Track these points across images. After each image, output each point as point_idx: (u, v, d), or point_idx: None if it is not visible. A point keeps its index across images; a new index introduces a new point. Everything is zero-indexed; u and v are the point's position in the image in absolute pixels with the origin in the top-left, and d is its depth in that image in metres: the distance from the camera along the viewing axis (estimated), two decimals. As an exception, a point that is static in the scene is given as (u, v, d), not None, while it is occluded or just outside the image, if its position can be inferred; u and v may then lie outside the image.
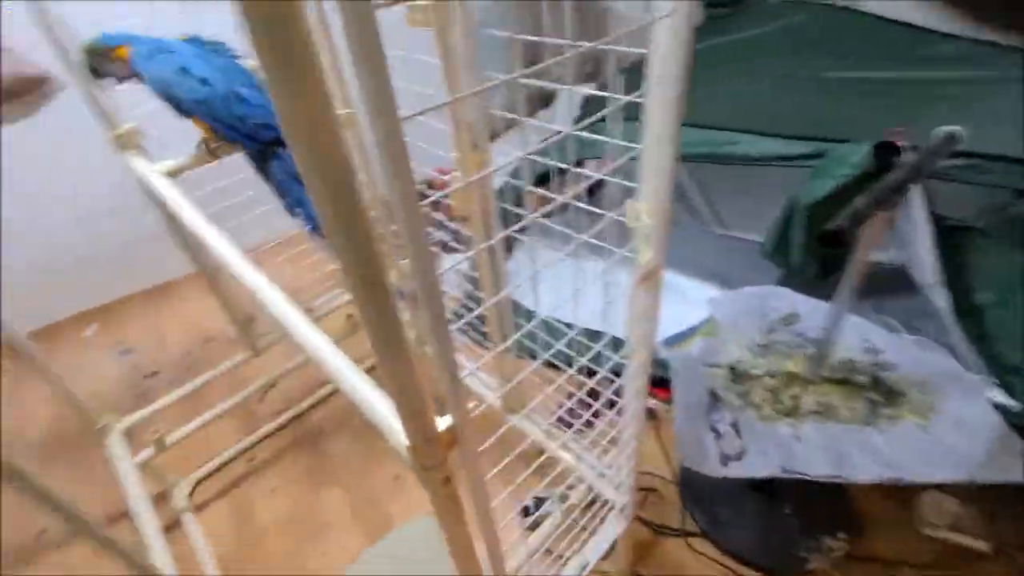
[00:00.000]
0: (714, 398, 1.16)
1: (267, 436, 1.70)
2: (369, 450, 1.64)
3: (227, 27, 0.90)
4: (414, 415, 0.45)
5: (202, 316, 2.26)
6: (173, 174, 1.07)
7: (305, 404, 1.78)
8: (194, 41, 0.96)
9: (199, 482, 1.59)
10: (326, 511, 1.49)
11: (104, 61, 0.95)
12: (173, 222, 1.25)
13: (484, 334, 1.34)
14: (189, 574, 1.29)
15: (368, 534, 1.43)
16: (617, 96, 0.57)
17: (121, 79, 0.99)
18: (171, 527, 1.43)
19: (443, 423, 0.48)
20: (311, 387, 1.83)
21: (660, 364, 1.27)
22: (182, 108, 0.92)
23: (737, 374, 1.18)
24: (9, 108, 1.91)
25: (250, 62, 0.97)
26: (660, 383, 1.48)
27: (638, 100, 0.56)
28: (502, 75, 0.52)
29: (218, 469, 1.62)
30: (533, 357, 1.27)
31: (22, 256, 2.10)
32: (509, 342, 1.13)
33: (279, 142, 0.91)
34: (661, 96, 0.54)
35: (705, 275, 1.78)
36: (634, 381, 0.86)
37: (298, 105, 0.26)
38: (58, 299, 2.28)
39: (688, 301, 1.59)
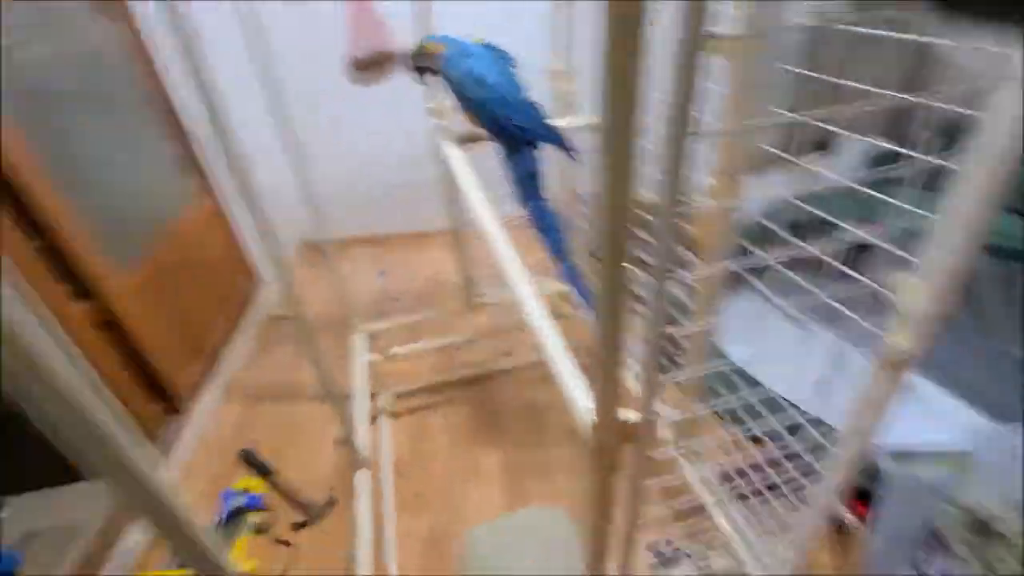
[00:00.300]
0: (935, 540, 0.95)
1: (457, 382, 1.95)
2: (533, 429, 1.75)
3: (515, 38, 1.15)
4: (609, 398, 0.49)
5: (442, 267, 2.67)
6: (463, 141, 1.30)
7: (494, 367, 1.99)
8: (488, 47, 1.12)
9: (399, 396, 1.91)
10: (482, 465, 1.65)
11: (423, 57, 1.11)
12: (448, 182, 1.53)
13: (673, 361, 1.31)
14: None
15: (508, 502, 1.54)
16: (923, 157, 0.52)
17: (432, 72, 1.15)
18: (371, 419, 1.77)
19: (628, 416, 0.51)
20: (500, 354, 2.03)
21: (870, 474, 1.08)
22: (465, 103, 1.09)
23: (980, 525, 0.94)
24: (367, 76, 2.52)
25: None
26: (861, 495, 1.25)
27: (947, 165, 0.50)
28: (784, 111, 0.52)
29: (414, 392, 1.92)
30: (717, 398, 1.20)
31: (331, 178, 2.73)
32: (694, 372, 1.09)
33: (528, 143, 1.05)
34: (983, 168, 0.47)
35: (966, 392, 1.43)
36: (833, 475, 0.76)
37: (618, 111, 0.32)
38: (348, 220, 2.92)
39: (931, 414, 1.30)
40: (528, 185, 1.02)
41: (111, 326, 1.51)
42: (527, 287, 0.76)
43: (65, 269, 1.39)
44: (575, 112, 1.44)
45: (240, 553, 1.42)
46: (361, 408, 1.53)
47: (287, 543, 1.45)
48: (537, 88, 1.67)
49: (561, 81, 1.44)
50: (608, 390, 0.47)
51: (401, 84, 2.11)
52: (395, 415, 1.84)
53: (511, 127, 1.01)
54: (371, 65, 2.45)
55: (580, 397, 0.58)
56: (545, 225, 1.01)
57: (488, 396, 1.90)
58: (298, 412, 1.88)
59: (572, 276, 1.02)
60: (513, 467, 1.63)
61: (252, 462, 1.67)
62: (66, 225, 1.37)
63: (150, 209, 1.79)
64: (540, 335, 0.70)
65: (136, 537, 1.41)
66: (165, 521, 0.47)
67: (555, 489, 1.56)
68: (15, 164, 1.25)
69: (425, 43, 1.11)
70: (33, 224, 1.30)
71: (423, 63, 1.12)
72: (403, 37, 2.41)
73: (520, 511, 1.50)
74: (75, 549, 1.40)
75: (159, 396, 1.68)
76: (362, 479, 1.40)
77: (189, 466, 1.69)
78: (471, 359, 2.04)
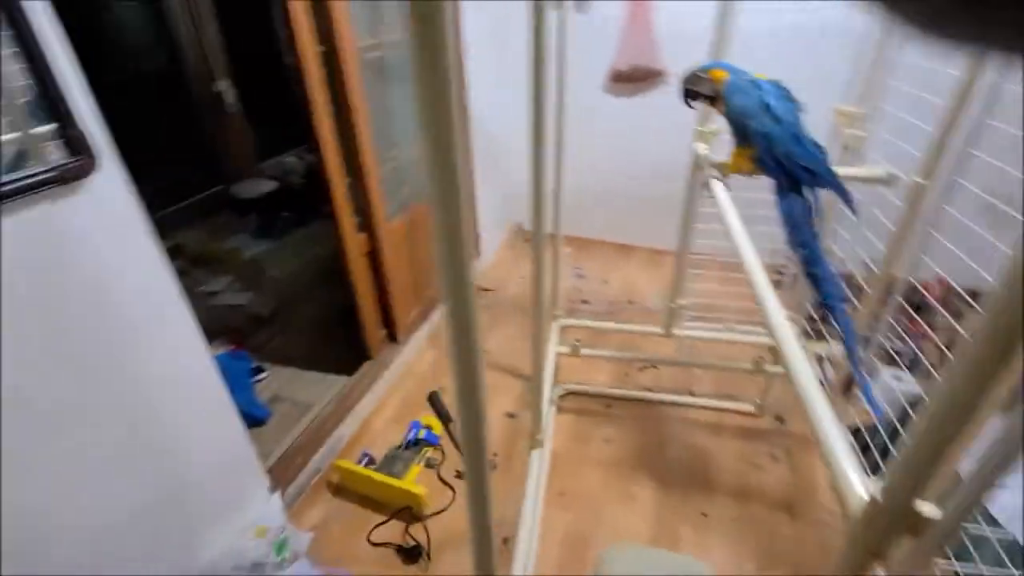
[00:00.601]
0: None
1: (631, 400, 1.95)
2: (697, 476, 1.67)
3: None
4: (908, 482, 0.44)
5: (637, 283, 2.67)
6: (724, 171, 1.28)
7: (667, 398, 1.94)
8: (775, 84, 1.07)
9: (569, 393, 1.98)
10: (635, 492, 1.64)
11: (701, 82, 1.09)
12: (687, 204, 1.53)
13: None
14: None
15: (653, 537, 1.51)
16: None
17: (703, 98, 1.12)
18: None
19: (924, 508, 0.45)
20: (683, 388, 1.96)
21: None
22: (742, 133, 1.05)
23: None
24: (624, 88, 2.61)
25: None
26: None
27: None
28: None
29: (585, 394, 1.97)
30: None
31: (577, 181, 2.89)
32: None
33: (810, 184, 0.97)
34: None
35: None
36: None
37: None
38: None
39: None
40: (803, 227, 0.96)
41: (372, 257, 1.85)
42: (793, 345, 0.73)
43: (359, 206, 1.74)
44: (860, 161, 1.31)
45: (412, 476, 1.64)
46: (544, 393, 1.62)
47: (451, 487, 1.63)
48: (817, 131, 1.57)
49: (850, 125, 1.32)
50: (910, 474, 0.43)
51: (665, 104, 2.16)
52: (560, 409, 1.92)
53: (796, 167, 0.97)
54: (632, 79, 2.54)
55: (850, 470, 0.55)
56: (819, 271, 0.94)
57: (658, 426, 1.86)
58: (481, 376, 2.08)
59: (848, 332, 0.93)
60: (667, 507, 1.59)
61: (436, 404, 1.90)
62: (371, 172, 1.71)
63: (420, 179, 2.13)
64: (808, 398, 0.66)
65: (343, 432, 1.73)
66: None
67: (707, 544, 1.47)
68: (356, 109, 1.60)
69: (706, 68, 1.10)
70: (352, 165, 1.66)
71: (699, 88, 1.11)
72: (672, 58, 2.45)
73: (664, 550, 1.45)
74: (307, 419, 1.77)
75: (386, 323, 2.01)
76: (536, 458, 1.50)
77: (392, 388, 2.00)
78: (651, 383, 2.01)
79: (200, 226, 3.09)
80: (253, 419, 1.77)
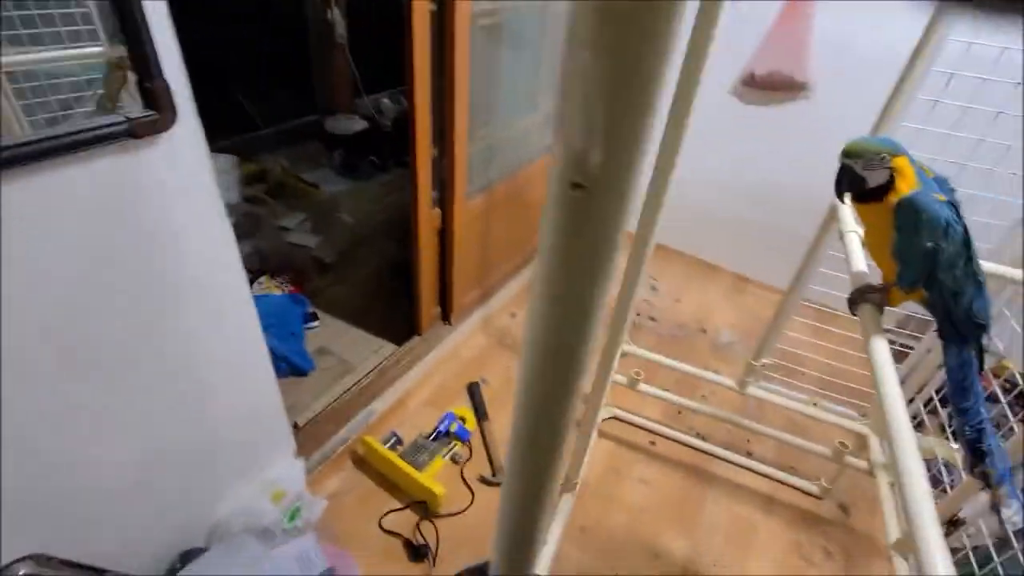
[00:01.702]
0: None
1: (679, 443, 1.80)
2: (739, 547, 1.52)
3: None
4: None
5: (715, 310, 2.44)
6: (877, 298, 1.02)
7: (720, 452, 1.76)
8: (946, 186, 0.77)
9: (614, 417, 1.85)
10: (664, 547, 1.51)
11: (870, 163, 0.75)
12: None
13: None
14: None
15: (672, 604, 1.39)
16: None
17: (864, 192, 0.78)
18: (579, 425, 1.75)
19: None
20: (741, 445, 1.78)
21: None
22: (917, 273, 0.75)
23: None
24: (756, 96, 2.30)
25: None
26: None
27: None
28: None
29: (631, 424, 1.84)
30: None
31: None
32: None
33: (975, 339, 0.75)
34: None
35: None
36: None
37: None
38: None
39: None
40: (971, 389, 0.75)
41: (442, 235, 1.76)
42: (911, 451, 0.58)
43: (441, 180, 1.63)
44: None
45: (435, 469, 1.59)
46: (592, 435, 1.49)
47: (471, 489, 1.57)
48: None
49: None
50: None
51: (799, 122, 1.90)
52: (601, 434, 1.80)
53: (972, 323, 0.74)
54: (767, 86, 2.23)
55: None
56: (986, 443, 0.73)
57: (703, 479, 1.70)
58: (526, 375, 1.98)
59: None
60: (696, 571, 1.45)
61: (474, 397, 1.83)
62: (460, 148, 1.59)
63: (520, 151, 1.98)
64: (920, 526, 0.52)
65: (376, 407, 1.70)
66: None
67: (727, 633, 1.34)
68: (457, 81, 1.47)
69: (888, 150, 0.75)
70: (441, 138, 1.54)
71: (870, 175, 0.75)
72: (820, 72, 2.12)
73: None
74: (346, 382, 1.75)
75: (441, 302, 1.93)
76: (567, 501, 1.40)
77: (434, 369, 1.94)
78: (705, 429, 1.84)
79: (288, 153, 3.11)
80: (297, 369, 1.78)
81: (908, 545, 1.24)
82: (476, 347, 2.08)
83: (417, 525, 1.46)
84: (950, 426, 1.42)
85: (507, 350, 2.08)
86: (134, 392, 0.95)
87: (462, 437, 1.68)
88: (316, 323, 2.01)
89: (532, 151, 2.08)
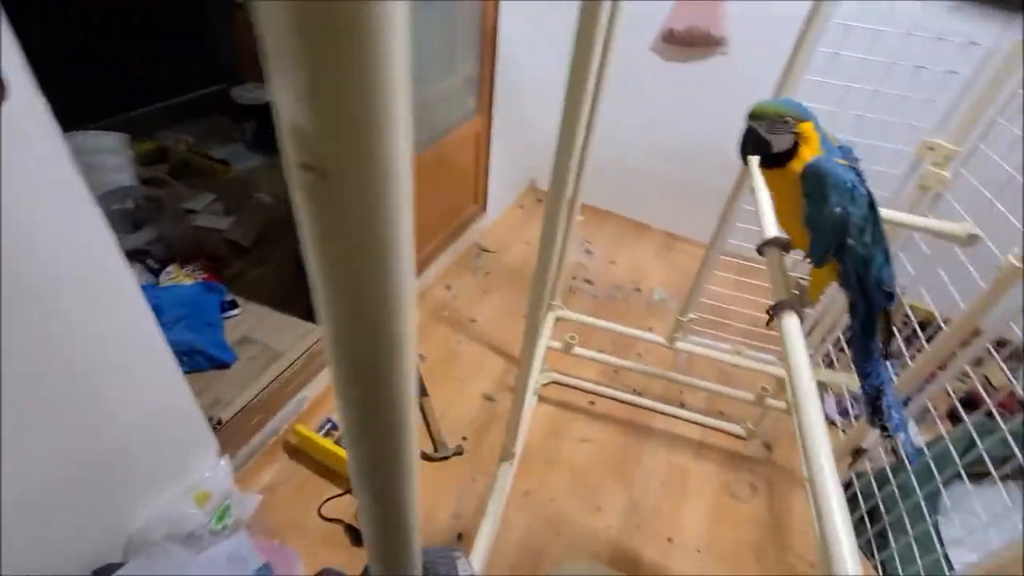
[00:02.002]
0: None
1: (615, 401, 1.85)
2: (672, 495, 1.59)
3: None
4: None
5: (645, 270, 2.50)
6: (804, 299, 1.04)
7: (655, 406, 1.83)
8: (848, 153, 0.75)
9: (553, 382, 1.87)
10: (605, 501, 1.56)
11: (779, 127, 0.72)
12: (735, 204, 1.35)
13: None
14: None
15: (613, 557, 1.44)
16: None
17: (768, 154, 0.74)
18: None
19: None
20: (667, 395, 1.86)
21: None
22: (827, 243, 0.73)
23: None
24: (676, 52, 2.31)
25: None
26: None
27: None
28: None
29: (568, 387, 1.87)
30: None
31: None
32: None
33: (884, 306, 0.76)
34: None
35: None
36: None
37: None
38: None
39: None
40: (875, 356, 0.77)
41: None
42: (810, 395, 0.61)
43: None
44: (937, 207, 1.12)
45: (374, 451, 1.56)
46: (526, 403, 1.49)
47: (412, 468, 1.55)
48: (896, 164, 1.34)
49: (937, 163, 1.11)
50: None
51: (718, 79, 1.92)
52: (541, 399, 1.82)
53: (880, 291, 0.73)
54: (686, 42, 2.24)
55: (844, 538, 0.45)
56: (885, 400, 0.75)
57: (640, 433, 1.77)
58: (465, 345, 1.96)
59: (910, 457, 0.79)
60: (633, 525, 1.52)
61: (412, 374, 1.80)
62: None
63: (437, 118, 1.89)
64: (814, 457, 0.55)
65: (307, 393, 1.63)
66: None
67: (667, 573, 1.42)
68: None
69: (793, 113, 0.72)
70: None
71: (774, 138, 0.73)
72: (736, 27, 2.15)
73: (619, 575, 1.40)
74: (272, 371, 1.66)
75: (370, 280, 1.86)
76: (505, 471, 1.40)
77: (366, 348, 1.88)
78: (640, 386, 1.90)
79: (192, 128, 2.85)
80: (218, 362, 1.67)
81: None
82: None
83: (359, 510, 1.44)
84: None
85: (443, 324, 2.04)
86: (17, 407, 0.84)
87: (401, 416, 1.64)
88: (236, 311, 1.88)
89: (453, 116, 2.00)
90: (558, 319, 1.79)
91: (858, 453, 1.31)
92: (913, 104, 1.26)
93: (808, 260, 0.77)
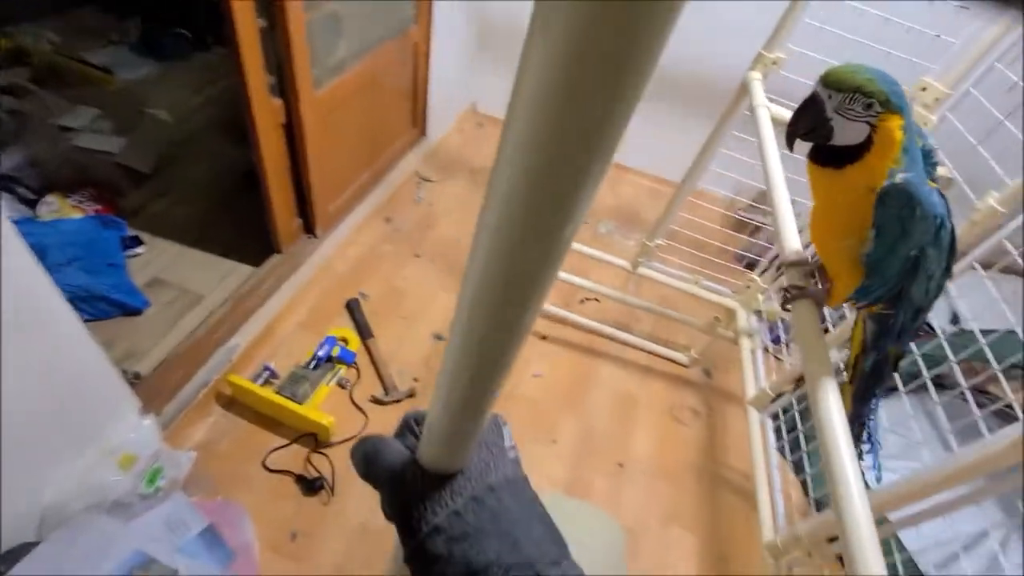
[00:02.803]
0: None
1: (562, 323, 1.85)
2: (623, 422, 1.65)
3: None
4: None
5: (606, 209, 2.45)
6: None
7: (604, 329, 1.86)
8: (928, 153, 0.56)
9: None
10: (557, 433, 1.59)
11: (849, 105, 0.51)
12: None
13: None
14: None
15: (568, 484, 1.49)
16: None
17: (820, 139, 0.54)
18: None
19: None
20: (618, 321, 1.88)
21: None
22: (887, 281, 0.56)
23: None
24: None
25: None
26: None
27: None
28: None
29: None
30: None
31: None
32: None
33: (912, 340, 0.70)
34: None
35: None
36: None
37: None
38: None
39: None
40: (869, 387, 0.69)
41: (289, 131, 1.46)
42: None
43: (276, 62, 1.30)
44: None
45: (320, 398, 1.46)
46: None
47: (364, 412, 1.48)
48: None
49: (926, 104, 1.09)
50: None
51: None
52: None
53: (916, 333, 0.63)
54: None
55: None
56: (866, 426, 0.71)
57: (590, 365, 1.79)
58: (410, 282, 1.85)
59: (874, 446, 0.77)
60: (586, 453, 1.56)
61: (355, 316, 1.68)
62: (295, 15, 1.25)
63: (364, 27, 1.64)
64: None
65: (238, 341, 1.47)
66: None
67: (618, 496, 1.49)
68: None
69: (876, 87, 0.50)
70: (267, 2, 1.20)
71: (844, 111, 0.51)
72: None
73: (575, 500, 1.45)
74: (193, 317, 1.48)
75: (302, 212, 1.67)
76: None
77: (304, 289, 1.72)
78: (587, 314, 1.90)
79: (57, 24, 2.33)
80: (126, 307, 1.46)
81: (760, 401, 1.43)
82: (350, 259, 1.87)
83: (308, 458, 1.36)
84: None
85: (385, 259, 1.91)
86: None
87: (346, 360, 1.54)
88: (140, 249, 1.64)
89: (388, 24, 1.75)
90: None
91: (801, 380, 1.40)
92: (918, 40, 1.17)
93: (852, 302, 0.60)
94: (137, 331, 1.44)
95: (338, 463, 1.36)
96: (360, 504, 1.32)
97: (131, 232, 1.65)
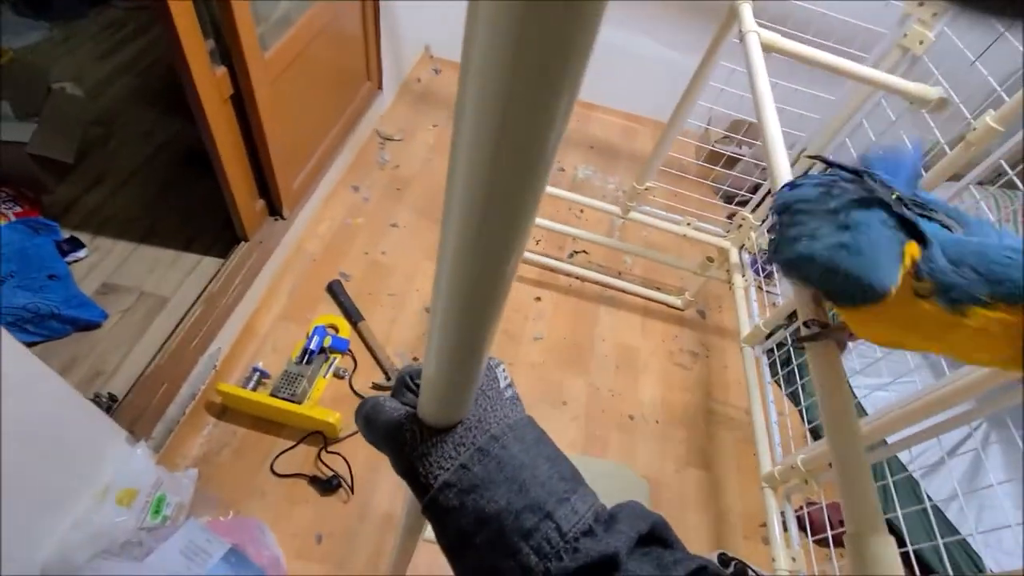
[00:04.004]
0: None
1: (553, 271, 1.82)
2: (621, 373, 1.65)
3: None
4: None
5: (578, 154, 2.34)
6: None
7: (596, 277, 1.83)
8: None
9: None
10: (566, 394, 1.57)
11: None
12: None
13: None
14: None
15: (586, 443, 1.49)
16: None
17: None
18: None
19: None
20: (608, 267, 1.85)
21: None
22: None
23: None
24: None
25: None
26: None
27: None
28: None
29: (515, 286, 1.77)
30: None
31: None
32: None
33: None
34: None
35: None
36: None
37: None
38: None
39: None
40: None
41: (238, 103, 1.27)
42: None
43: (213, 21, 1.10)
44: (911, 70, 1.07)
45: (319, 393, 1.37)
46: None
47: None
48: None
49: (921, 22, 1.03)
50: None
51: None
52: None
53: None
54: None
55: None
56: None
57: (588, 321, 1.76)
58: (390, 255, 1.74)
59: None
60: (597, 411, 1.56)
61: (339, 299, 1.56)
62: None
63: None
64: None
65: (219, 344, 1.34)
66: None
67: (633, 447, 1.51)
68: None
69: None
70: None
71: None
72: None
73: (599, 460, 1.46)
74: (162, 322, 1.34)
75: (263, 193, 1.50)
76: None
77: (278, 277, 1.58)
78: (594, 263, 1.85)
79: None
80: (80, 323, 1.30)
81: (754, 338, 1.45)
82: (323, 237, 1.72)
83: (318, 458, 1.29)
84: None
85: (360, 233, 1.77)
86: None
87: (340, 348, 1.45)
88: (82, 252, 1.45)
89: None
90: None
91: (794, 315, 1.42)
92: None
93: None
94: (98, 347, 1.29)
95: (352, 458, 1.30)
96: (382, 495, 1.28)
97: (66, 234, 1.45)
